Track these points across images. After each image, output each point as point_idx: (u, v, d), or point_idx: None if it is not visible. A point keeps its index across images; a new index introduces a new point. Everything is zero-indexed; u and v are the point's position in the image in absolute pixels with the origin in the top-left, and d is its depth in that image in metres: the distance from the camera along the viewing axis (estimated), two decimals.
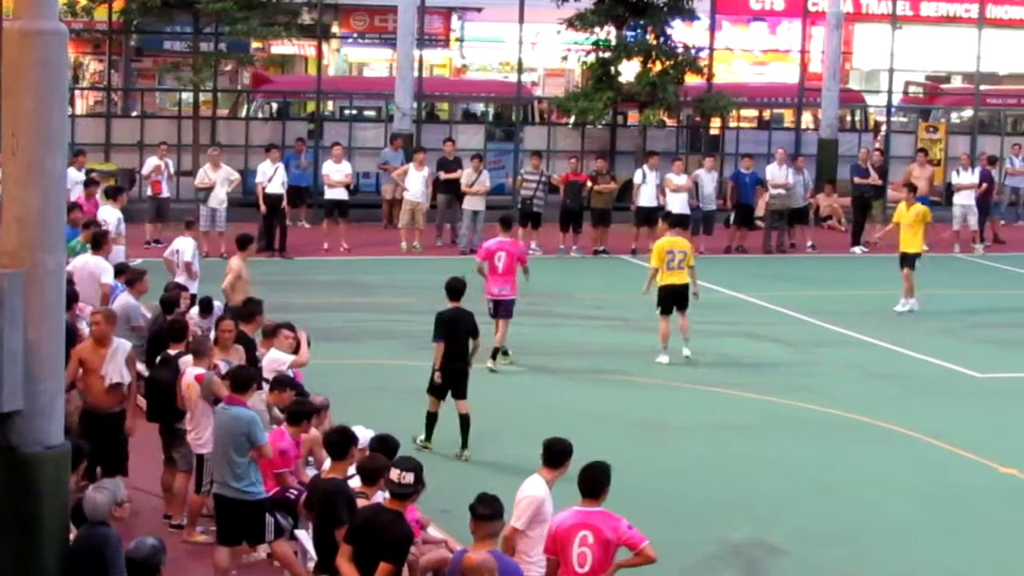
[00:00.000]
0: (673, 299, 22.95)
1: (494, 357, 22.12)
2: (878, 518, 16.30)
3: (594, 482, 11.39)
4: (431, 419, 18.00)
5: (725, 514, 16.25)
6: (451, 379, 17.87)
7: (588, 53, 38.31)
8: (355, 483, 12.69)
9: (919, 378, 22.99)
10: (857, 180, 35.56)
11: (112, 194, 25.82)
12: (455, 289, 18.19)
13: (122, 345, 15.42)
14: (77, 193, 29.39)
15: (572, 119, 38.65)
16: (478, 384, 20.22)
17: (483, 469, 17.18)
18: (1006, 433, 19.97)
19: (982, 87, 42.98)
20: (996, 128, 43.92)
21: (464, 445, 17.88)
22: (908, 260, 27.26)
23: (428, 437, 17.94)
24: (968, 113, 44.49)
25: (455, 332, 17.89)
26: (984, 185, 36.09)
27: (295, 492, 14.11)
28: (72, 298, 17.15)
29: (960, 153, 38.90)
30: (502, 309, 22.22)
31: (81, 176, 30.23)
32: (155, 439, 15.77)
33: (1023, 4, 46.82)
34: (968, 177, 36.09)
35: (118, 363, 15.19)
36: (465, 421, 17.90)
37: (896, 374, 23.14)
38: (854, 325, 26.24)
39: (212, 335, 16.79)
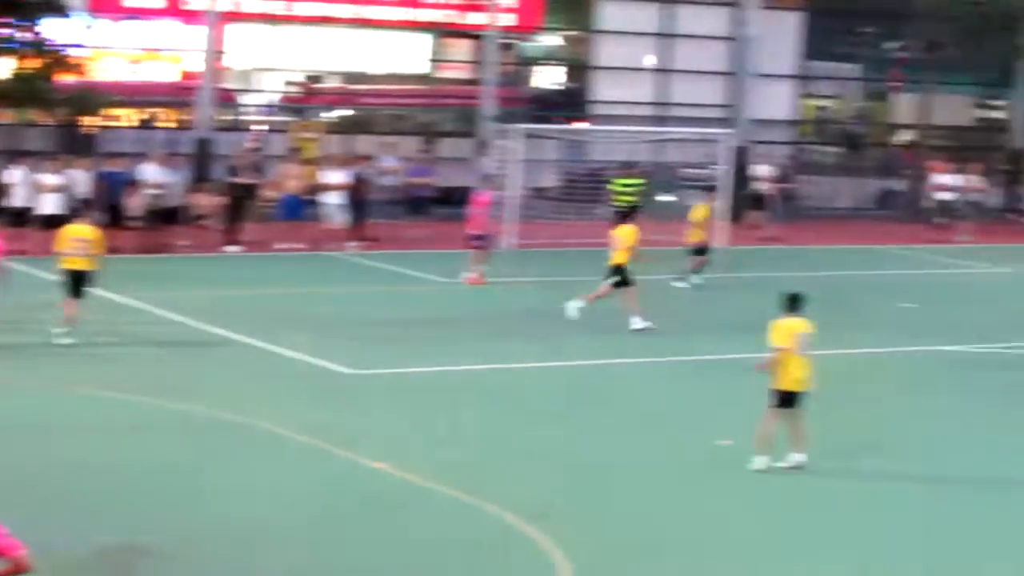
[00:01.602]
0: (74, 283, 24.38)
1: None
2: (227, 519, 16.28)
3: None
4: None
5: (96, 516, 16.07)
6: None
7: None
8: None
9: (292, 376, 23.37)
10: (231, 180, 35.93)
11: None
12: None
13: None
14: None
15: None
16: None
17: None
18: (378, 428, 20.40)
19: (357, 87, 44.11)
20: (371, 127, 45.16)
21: None
22: None
23: None
24: (344, 112, 45.56)
25: None
26: (356, 184, 37.13)
27: None
28: None
29: (335, 152, 39.87)
30: None
31: None
32: None
33: (395, 5, 48.09)
34: (338, 176, 37.07)
35: None
36: None
37: (270, 372, 23.51)
38: (228, 324, 26.46)
39: None
